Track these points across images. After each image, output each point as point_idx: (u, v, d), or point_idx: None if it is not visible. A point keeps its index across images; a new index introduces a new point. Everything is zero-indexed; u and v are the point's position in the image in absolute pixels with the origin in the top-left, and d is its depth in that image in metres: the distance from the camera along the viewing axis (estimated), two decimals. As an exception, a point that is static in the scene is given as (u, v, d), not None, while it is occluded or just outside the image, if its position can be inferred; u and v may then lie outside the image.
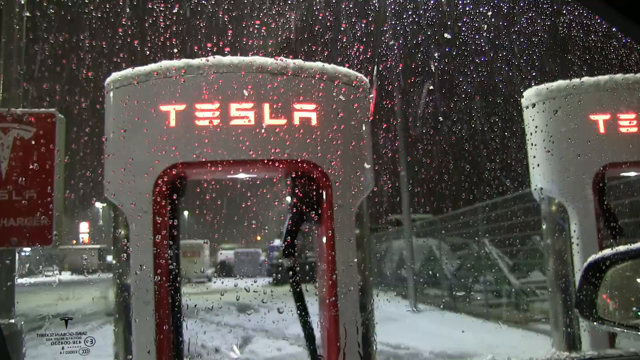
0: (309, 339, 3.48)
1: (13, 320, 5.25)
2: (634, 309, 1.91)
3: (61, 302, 18.30)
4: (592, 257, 1.96)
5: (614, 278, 1.95)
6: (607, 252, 1.97)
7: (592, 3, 1.26)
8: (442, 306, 15.68)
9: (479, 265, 14.69)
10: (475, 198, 15.79)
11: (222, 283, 28.81)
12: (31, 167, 4.32)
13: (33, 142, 4.38)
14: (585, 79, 4.01)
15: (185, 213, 45.48)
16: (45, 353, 10.20)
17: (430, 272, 17.35)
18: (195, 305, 19.47)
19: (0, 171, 4.31)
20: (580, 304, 1.93)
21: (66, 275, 39.10)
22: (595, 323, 1.95)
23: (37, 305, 19.00)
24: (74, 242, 47.37)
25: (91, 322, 11.56)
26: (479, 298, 14.70)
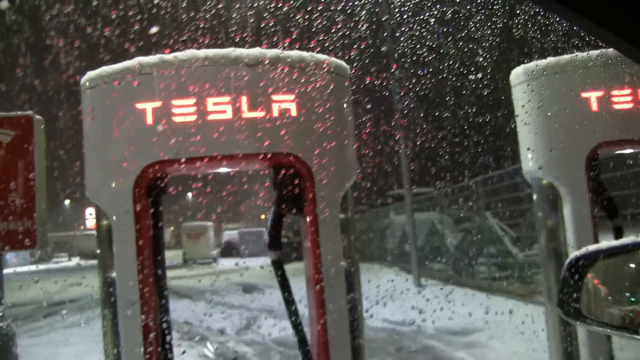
0: (298, 331, 3.45)
1: (2, 324, 5.25)
2: (619, 308, 1.84)
3: (71, 288, 18.45)
4: (575, 254, 1.87)
5: (598, 275, 1.87)
6: (591, 248, 1.89)
7: (569, 15, 1.19)
8: (445, 280, 15.70)
9: (482, 239, 14.66)
10: (477, 171, 15.71)
11: (226, 264, 29.03)
12: (12, 170, 4.32)
13: (12, 146, 4.38)
14: (577, 54, 3.89)
15: (190, 195, 45.71)
16: (57, 339, 10.32)
17: (433, 247, 17.36)
18: (200, 280, 19.66)
19: None
20: (562, 303, 1.85)
21: (75, 261, 39.56)
22: (578, 322, 1.88)
23: (50, 291, 19.19)
24: (82, 227, 47.75)
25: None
26: (482, 271, 14.70)
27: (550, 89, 3.85)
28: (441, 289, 14.38)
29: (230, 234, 39.63)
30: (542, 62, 3.97)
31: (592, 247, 1.88)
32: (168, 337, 3.38)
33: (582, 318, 1.83)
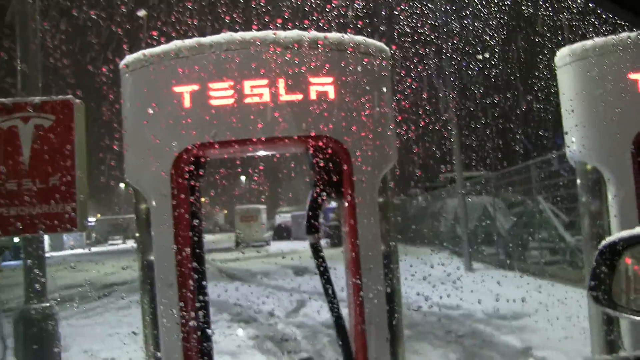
0: (335, 315, 3.48)
1: (47, 304, 5.45)
2: None
3: (123, 271, 19.04)
4: (608, 239, 1.84)
5: (632, 262, 1.84)
6: (624, 233, 1.85)
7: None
8: (497, 265, 15.49)
9: (534, 223, 14.38)
10: (530, 155, 15.38)
11: (278, 247, 29.27)
12: (53, 154, 4.42)
13: (53, 130, 4.47)
14: (624, 34, 3.76)
15: (243, 178, 46.28)
16: (110, 320, 10.69)
17: (485, 231, 17.12)
18: (251, 263, 19.92)
19: (24, 160, 4.42)
20: (594, 289, 1.83)
21: (130, 244, 40.67)
22: (610, 310, 1.85)
23: (105, 273, 19.85)
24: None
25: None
26: (534, 256, 14.44)
27: (596, 70, 3.74)
28: (492, 273, 14.22)
29: (283, 217, 39.98)
30: (588, 43, 3.85)
31: (625, 233, 1.85)
32: (206, 319, 3.43)
33: (613, 305, 1.80)
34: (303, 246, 23.36)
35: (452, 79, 16.25)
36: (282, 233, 37.12)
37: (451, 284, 12.86)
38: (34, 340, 5.29)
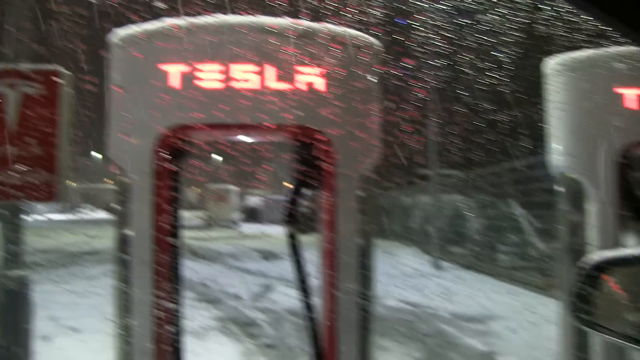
0: (306, 306, 3.45)
1: (23, 273, 5.37)
2: (636, 317, 1.77)
3: (92, 241, 18.83)
4: (591, 258, 1.80)
5: (616, 282, 1.80)
6: (608, 253, 1.82)
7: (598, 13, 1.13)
8: (465, 265, 15.61)
9: (505, 227, 14.51)
10: (506, 157, 15.49)
11: (248, 229, 29.24)
12: (38, 123, 4.38)
13: (39, 98, 4.45)
14: (612, 48, 3.74)
15: (216, 157, 45.99)
16: (78, 290, 10.54)
17: (455, 230, 17.24)
18: (219, 243, 19.86)
19: (9, 127, 4.38)
20: (574, 309, 1.79)
21: (101, 214, 40.29)
22: (590, 330, 1.81)
23: (71, 242, 19.60)
24: (107, 181, 48.31)
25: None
26: (503, 259, 14.58)
27: (583, 82, 3.72)
28: (459, 274, 14.34)
29: (254, 200, 39.86)
30: (578, 54, 3.83)
31: (609, 253, 1.81)
32: (179, 297, 3.42)
33: (596, 326, 1.77)
34: (272, 231, 23.34)
35: (433, 74, 16.27)
36: (252, 216, 37.02)
37: (418, 281, 12.96)
38: (9, 307, 5.25)
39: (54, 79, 4.50)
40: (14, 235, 5.43)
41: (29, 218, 5.61)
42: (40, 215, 32.73)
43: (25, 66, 4.65)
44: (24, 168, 4.36)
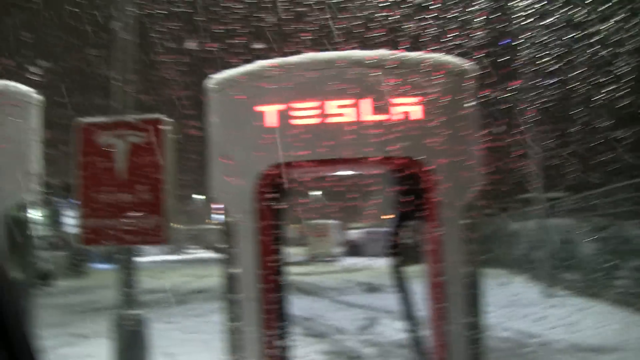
0: (414, 338, 3.38)
1: (139, 312, 5.60)
2: None
3: (198, 280, 19.42)
4: None
5: None
6: None
7: None
8: (579, 292, 14.78)
9: (623, 250, 13.62)
10: (626, 176, 14.62)
11: (350, 263, 29.17)
12: (144, 169, 4.61)
13: (145, 146, 4.72)
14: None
15: (315, 193, 46.54)
16: (188, 326, 10.89)
17: (567, 256, 16.39)
18: (322, 278, 19.95)
19: (118, 175, 4.65)
20: None
21: (205, 253, 41.63)
22: None
23: (180, 282, 20.34)
24: (208, 221, 50.03)
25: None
26: (620, 285, 13.66)
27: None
28: (573, 301, 13.60)
29: (355, 233, 39.83)
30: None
31: None
32: (286, 332, 3.44)
33: None
34: (374, 263, 23.18)
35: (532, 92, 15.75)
36: (353, 249, 36.94)
37: (528, 309, 12.39)
38: (128, 345, 5.51)
39: (158, 127, 4.76)
40: (128, 277, 5.71)
41: (140, 260, 5.91)
42: (150, 256, 34.25)
43: (131, 117, 4.98)
44: (135, 214, 4.58)
